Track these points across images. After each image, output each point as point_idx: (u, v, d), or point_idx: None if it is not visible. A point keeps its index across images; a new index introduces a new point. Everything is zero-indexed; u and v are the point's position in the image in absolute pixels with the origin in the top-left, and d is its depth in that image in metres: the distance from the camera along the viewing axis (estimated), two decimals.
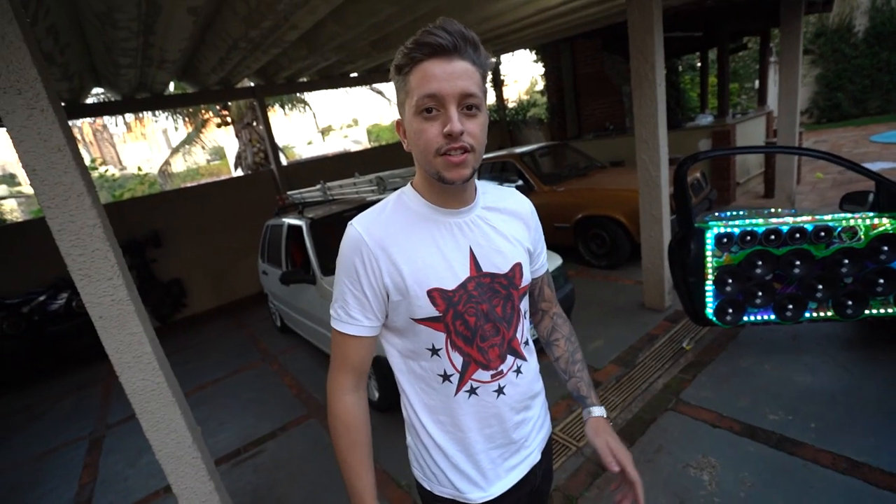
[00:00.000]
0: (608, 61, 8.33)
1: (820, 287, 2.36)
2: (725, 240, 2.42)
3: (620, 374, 2.92)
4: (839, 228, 2.27)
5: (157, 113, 9.03)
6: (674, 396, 2.62)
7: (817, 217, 2.33)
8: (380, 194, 2.99)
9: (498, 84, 9.26)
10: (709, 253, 2.47)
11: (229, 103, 9.54)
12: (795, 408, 2.34)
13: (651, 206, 3.31)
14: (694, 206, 4.50)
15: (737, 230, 2.41)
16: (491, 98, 9.70)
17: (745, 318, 2.54)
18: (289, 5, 3.14)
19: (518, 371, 0.93)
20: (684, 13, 5.95)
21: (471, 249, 0.87)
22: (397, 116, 0.86)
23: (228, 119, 10.15)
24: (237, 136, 10.24)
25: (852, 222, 2.26)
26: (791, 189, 5.34)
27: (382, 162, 6.49)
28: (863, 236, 2.25)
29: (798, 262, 2.36)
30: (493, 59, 7.92)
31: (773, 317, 2.51)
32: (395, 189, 1.09)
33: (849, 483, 1.87)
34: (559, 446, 2.39)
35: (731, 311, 2.53)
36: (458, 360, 0.87)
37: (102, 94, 5.44)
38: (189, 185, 8.79)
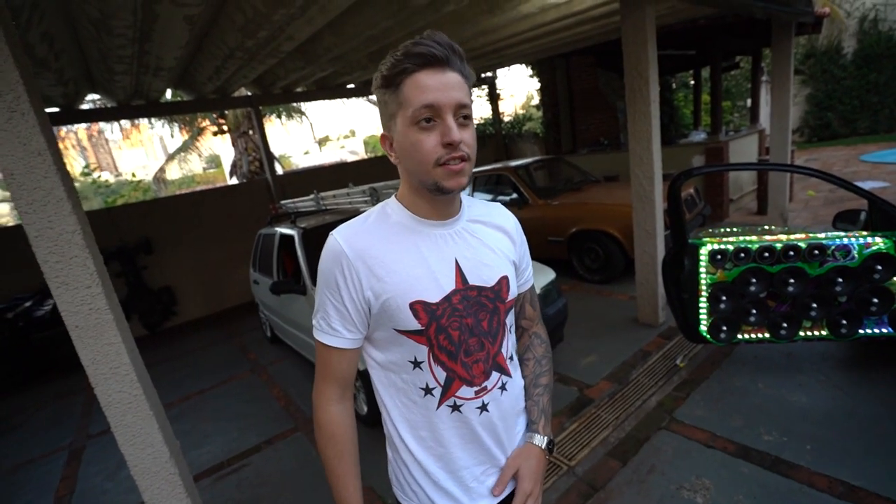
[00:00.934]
0: (603, 77, 8.44)
1: (814, 305, 2.35)
2: (719, 256, 2.40)
3: (613, 390, 2.88)
4: (833, 247, 2.26)
5: (153, 120, 9.01)
6: (667, 415, 2.58)
7: (811, 235, 2.33)
8: (373, 205, 2.97)
9: (494, 98, 9.34)
10: (703, 269, 2.46)
11: (226, 112, 9.55)
12: (790, 428, 2.31)
13: (645, 221, 3.31)
14: (688, 222, 4.51)
15: (731, 247, 2.39)
16: (487, 111, 9.78)
17: (739, 336, 2.52)
18: (285, 16, 3.15)
19: (503, 388, 0.90)
20: (678, 31, 6.04)
21: (456, 261, 0.85)
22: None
23: (225, 127, 10.15)
24: (233, 144, 10.25)
25: (846, 241, 2.25)
26: (784, 206, 5.38)
27: (377, 173, 6.48)
28: (857, 255, 2.24)
29: (792, 280, 2.34)
30: (489, 74, 7.98)
31: (767, 335, 2.49)
32: None
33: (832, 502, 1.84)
34: (550, 465, 2.34)
35: (724, 328, 2.51)
36: (441, 375, 0.84)
37: (98, 100, 5.42)
38: (183, 192, 8.73)
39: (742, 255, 2.38)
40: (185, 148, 10.71)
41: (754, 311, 2.44)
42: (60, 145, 9.61)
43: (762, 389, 2.65)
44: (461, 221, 0.88)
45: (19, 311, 5.02)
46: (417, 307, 0.81)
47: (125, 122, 8.55)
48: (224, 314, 6.51)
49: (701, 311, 2.52)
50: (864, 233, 2.27)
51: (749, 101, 9.27)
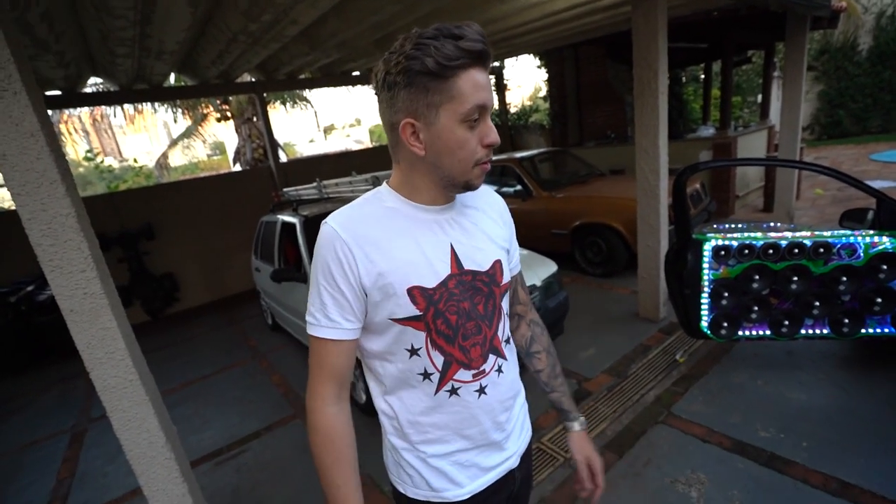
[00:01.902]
0: (612, 69, 8.32)
1: (817, 304, 2.32)
2: (723, 252, 2.37)
3: (612, 384, 2.87)
4: (838, 245, 2.23)
5: (156, 105, 8.97)
6: (665, 409, 2.57)
7: (816, 233, 2.29)
8: None
9: (501, 88, 9.24)
10: (706, 265, 2.43)
11: (230, 98, 9.50)
12: (788, 425, 2.30)
13: (649, 215, 3.27)
14: (692, 218, 4.47)
15: (735, 243, 2.36)
16: (494, 101, 9.66)
17: (740, 333, 2.50)
18: None
19: (500, 370, 0.91)
20: (690, 24, 5.93)
21: (452, 246, 0.84)
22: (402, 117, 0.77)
23: (228, 114, 10.11)
24: (237, 131, 10.21)
25: (852, 239, 2.22)
26: (790, 204, 5.31)
27: (381, 162, 6.45)
28: (862, 254, 2.20)
29: (796, 278, 2.32)
30: (497, 63, 7.89)
31: (768, 332, 2.47)
32: None
33: (824, 499, 1.83)
34: (547, 456, 2.34)
35: (725, 324, 2.49)
36: (439, 359, 0.84)
37: (100, 84, 5.38)
38: (186, 178, 8.71)
39: (746, 251, 2.35)
40: (188, 134, 10.68)
41: (756, 308, 2.42)
42: (63, 129, 9.61)
43: (761, 386, 2.64)
44: (455, 207, 0.88)
45: (21, 294, 5.05)
46: (415, 292, 0.80)
47: (128, 107, 8.53)
48: (226, 301, 6.54)
49: (702, 306, 2.50)
50: (871, 232, 2.23)
51: (760, 97, 9.14)
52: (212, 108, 10.21)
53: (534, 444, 2.45)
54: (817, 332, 2.40)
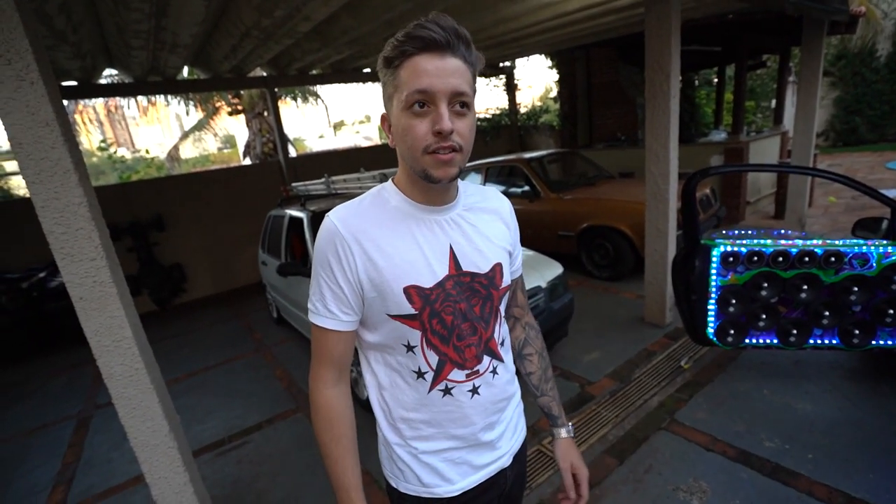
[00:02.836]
0: (623, 71, 8.26)
1: (827, 314, 2.29)
2: (731, 259, 2.35)
3: (615, 388, 2.85)
4: (850, 255, 2.20)
5: (169, 97, 9.05)
6: (668, 416, 2.55)
7: (828, 241, 2.26)
8: None
9: (511, 88, 9.21)
10: (713, 271, 2.41)
11: (241, 92, 9.56)
12: (793, 436, 2.27)
13: (658, 219, 3.25)
14: (702, 223, 4.43)
15: (744, 249, 2.34)
16: (503, 102, 9.65)
17: (747, 341, 2.47)
18: None
19: (494, 372, 0.91)
20: (704, 27, 5.87)
21: (451, 248, 0.84)
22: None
23: (240, 108, 10.17)
24: (248, 125, 10.27)
25: (864, 249, 2.18)
26: (802, 211, 5.25)
27: (390, 159, 6.46)
28: (875, 264, 2.17)
29: (805, 287, 2.29)
30: (508, 63, 7.84)
31: (776, 341, 2.44)
32: None
33: None
34: (547, 459, 2.33)
35: (732, 332, 2.46)
36: (434, 358, 0.84)
37: (115, 75, 5.44)
38: (196, 170, 8.77)
39: (755, 258, 2.32)
40: (199, 127, 10.76)
41: (764, 316, 2.39)
42: (78, 119, 9.72)
43: (767, 395, 2.61)
44: (457, 208, 0.88)
45: (33, 281, 5.12)
46: (411, 291, 0.80)
47: (142, 99, 8.61)
48: (232, 293, 6.59)
49: (709, 313, 2.47)
50: (885, 242, 2.20)
51: (773, 102, 9.02)
52: (223, 102, 10.28)
53: (533, 446, 2.45)
54: (826, 342, 2.37)
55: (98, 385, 4.10)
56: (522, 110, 10.44)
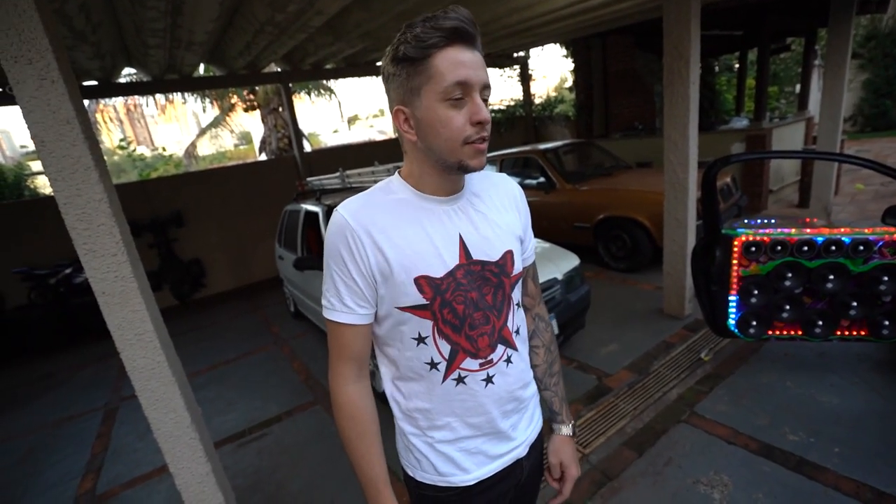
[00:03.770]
0: (641, 59, 8.08)
1: (854, 304, 2.22)
2: (754, 248, 2.29)
3: (633, 380, 2.82)
4: (881, 243, 2.12)
5: (186, 95, 9.19)
6: (688, 408, 2.51)
7: (856, 230, 2.18)
8: None
9: (525, 79, 9.09)
10: (735, 261, 2.35)
11: (256, 88, 9.64)
12: (819, 429, 2.22)
13: (676, 209, 3.18)
14: (722, 212, 4.32)
15: (767, 239, 2.27)
16: (518, 93, 9.54)
17: (770, 333, 2.41)
18: None
19: (508, 360, 0.90)
20: (724, 10, 5.69)
21: (461, 237, 0.84)
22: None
23: (255, 104, 10.27)
24: (263, 121, 10.37)
25: (895, 237, 2.10)
26: (828, 199, 5.08)
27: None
28: None
29: (832, 277, 2.22)
30: (522, 53, 7.75)
31: (800, 333, 2.37)
32: None
33: None
34: None
35: (754, 323, 2.40)
36: (446, 348, 0.84)
37: (134, 74, 5.54)
38: (213, 167, 8.92)
39: (779, 248, 2.26)
40: (216, 124, 10.91)
41: (788, 307, 2.33)
42: (99, 118, 9.94)
43: (791, 388, 2.55)
44: (465, 196, 0.87)
45: (60, 277, 5.28)
46: (422, 282, 0.80)
47: (160, 97, 8.76)
48: (250, 288, 6.70)
49: (731, 304, 2.42)
50: None
51: (798, 87, 8.74)
52: (239, 99, 10.39)
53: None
54: (854, 333, 2.30)
55: (123, 377, 4.23)
56: (537, 101, 10.32)
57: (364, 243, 0.79)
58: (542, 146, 5.54)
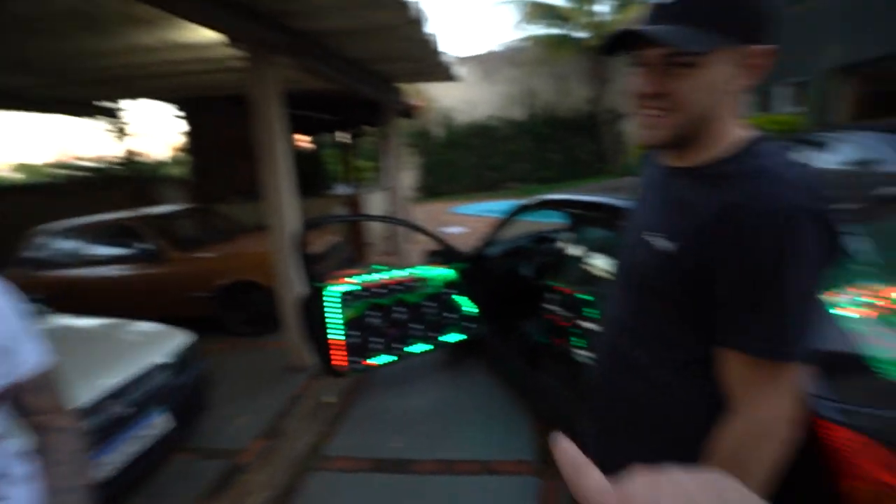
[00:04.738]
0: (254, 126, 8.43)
1: (416, 326, 2.98)
2: (346, 296, 2.72)
3: (265, 448, 2.74)
4: (422, 278, 2.95)
5: None
6: (317, 454, 2.65)
7: (410, 271, 2.96)
8: None
9: (122, 133, 7.78)
10: (333, 308, 2.71)
11: None
12: (412, 430, 2.79)
13: (284, 269, 3.41)
14: (334, 266, 4.96)
15: (355, 286, 2.76)
16: (119, 149, 8.03)
17: (370, 363, 2.90)
18: None
19: None
20: (318, 96, 6.77)
21: None
22: None
23: None
24: None
25: (431, 272, 2.98)
26: (406, 249, 6.74)
27: None
28: (437, 283, 3.00)
29: (401, 308, 2.90)
30: (110, 105, 6.61)
31: (390, 357, 2.96)
32: None
33: (443, 481, 2.34)
34: None
35: (356, 358, 2.83)
36: None
37: None
38: None
39: (365, 292, 2.78)
40: None
41: (378, 339, 2.87)
42: None
43: (392, 404, 3.13)
44: None
45: None
46: None
47: None
48: None
49: (336, 346, 2.76)
50: (441, 266, 3.07)
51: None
52: None
53: None
54: (420, 348, 3.06)
55: None
56: (147, 161, 9.01)
57: None
58: (148, 211, 4.84)
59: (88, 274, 4.55)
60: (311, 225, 2.65)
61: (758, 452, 0.67)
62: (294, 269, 3.34)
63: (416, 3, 3.19)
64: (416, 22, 3.38)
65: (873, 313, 1.09)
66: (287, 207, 3.28)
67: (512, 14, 19.74)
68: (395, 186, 6.53)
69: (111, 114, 7.56)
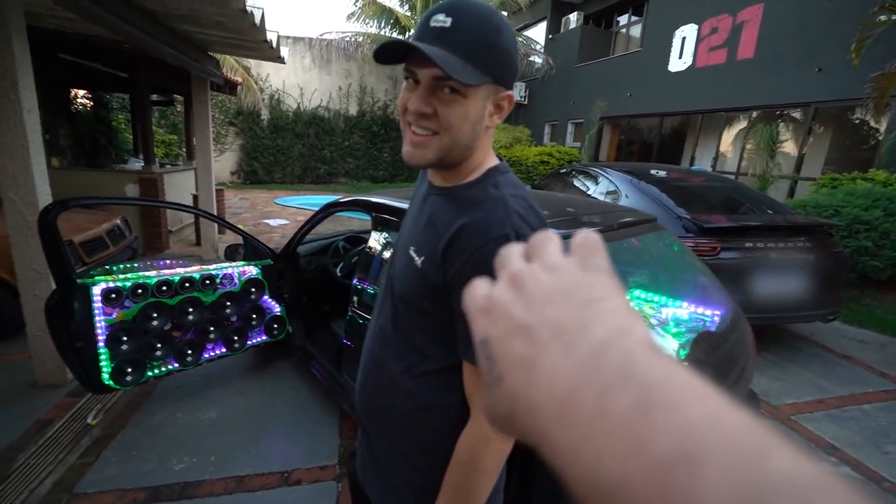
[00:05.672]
0: None
1: (212, 329, 2.64)
2: (114, 295, 2.24)
3: None
4: (220, 276, 2.63)
5: None
6: (66, 493, 2.13)
7: (203, 267, 2.60)
8: None
9: None
10: (97, 311, 2.21)
11: None
12: (200, 447, 2.46)
13: (32, 259, 2.65)
14: (113, 255, 4.08)
15: (127, 283, 2.29)
16: None
17: (148, 374, 2.45)
18: None
19: None
20: (107, 48, 5.46)
21: None
22: None
23: None
24: None
25: (230, 270, 2.67)
26: (214, 239, 5.96)
27: None
28: (238, 281, 2.70)
29: (192, 309, 2.53)
30: None
31: (176, 365, 2.56)
32: None
33: (233, 500, 2.12)
34: None
35: (130, 370, 2.36)
36: None
37: None
38: None
39: (140, 290, 2.33)
40: None
41: (160, 345, 2.45)
42: None
43: (180, 417, 2.71)
44: None
45: None
46: None
47: None
48: None
49: (101, 357, 2.26)
50: (243, 262, 2.79)
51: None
52: None
53: None
54: (217, 352, 2.73)
55: None
56: None
57: None
58: None
59: None
60: (63, 205, 2.09)
61: (484, 453, 0.74)
62: (43, 259, 2.63)
63: None
64: None
65: None
66: (36, 178, 2.54)
67: (347, 5, 19.26)
68: (204, 167, 5.70)
69: None
